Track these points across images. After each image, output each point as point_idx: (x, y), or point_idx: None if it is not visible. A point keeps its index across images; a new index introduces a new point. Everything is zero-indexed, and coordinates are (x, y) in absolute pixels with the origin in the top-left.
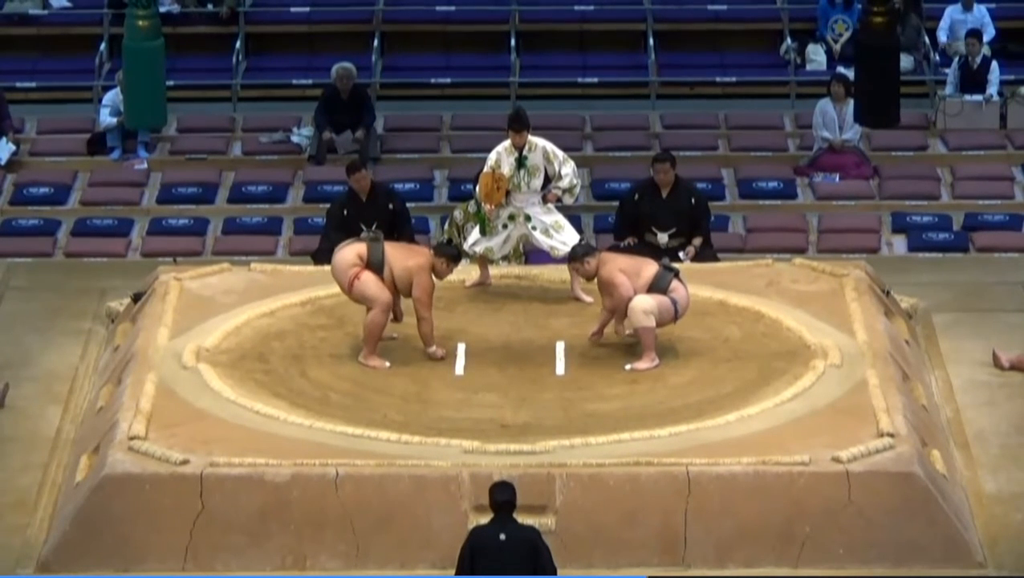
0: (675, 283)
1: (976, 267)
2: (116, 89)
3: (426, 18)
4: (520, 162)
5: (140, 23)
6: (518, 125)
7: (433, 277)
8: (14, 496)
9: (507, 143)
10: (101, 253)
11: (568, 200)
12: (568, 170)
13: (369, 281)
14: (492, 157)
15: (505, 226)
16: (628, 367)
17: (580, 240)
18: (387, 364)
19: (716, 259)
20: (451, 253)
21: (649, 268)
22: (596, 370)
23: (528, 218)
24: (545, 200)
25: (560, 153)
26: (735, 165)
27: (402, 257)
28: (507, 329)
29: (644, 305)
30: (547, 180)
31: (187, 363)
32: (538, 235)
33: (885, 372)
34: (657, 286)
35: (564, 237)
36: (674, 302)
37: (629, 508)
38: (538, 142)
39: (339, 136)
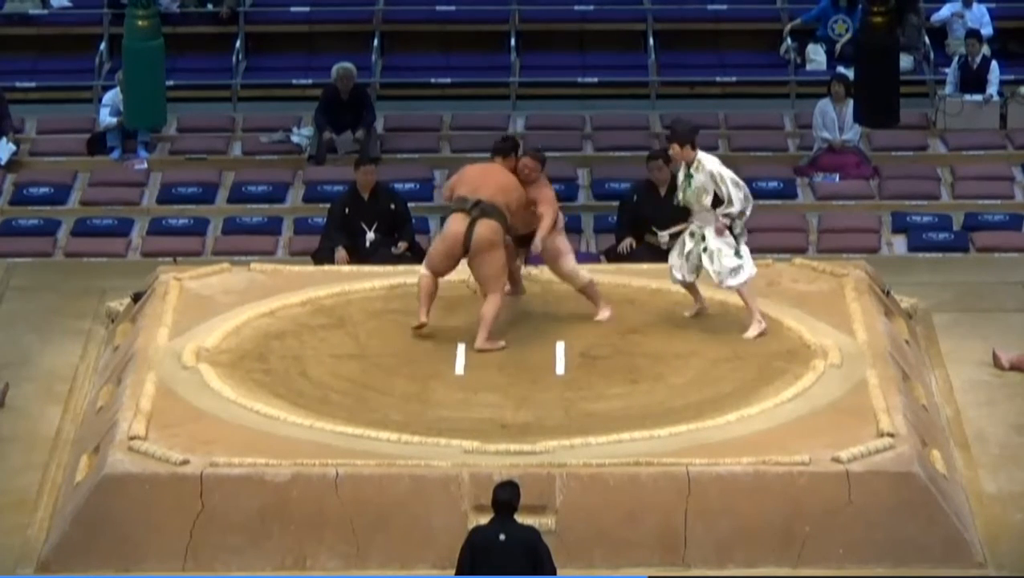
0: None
1: (976, 267)
2: (116, 89)
3: (426, 18)
4: (687, 178)
5: (140, 23)
6: (676, 138)
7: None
8: (14, 496)
9: None
10: (101, 253)
11: (738, 226)
12: (739, 195)
13: (499, 259)
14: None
15: (684, 243)
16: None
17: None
18: (502, 343)
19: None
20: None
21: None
22: (596, 370)
23: (703, 238)
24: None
25: (728, 175)
26: (735, 165)
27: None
28: (507, 329)
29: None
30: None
31: (187, 363)
32: (704, 257)
33: (885, 372)
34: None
35: (719, 265)
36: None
37: (629, 508)
38: (706, 164)
39: (339, 136)
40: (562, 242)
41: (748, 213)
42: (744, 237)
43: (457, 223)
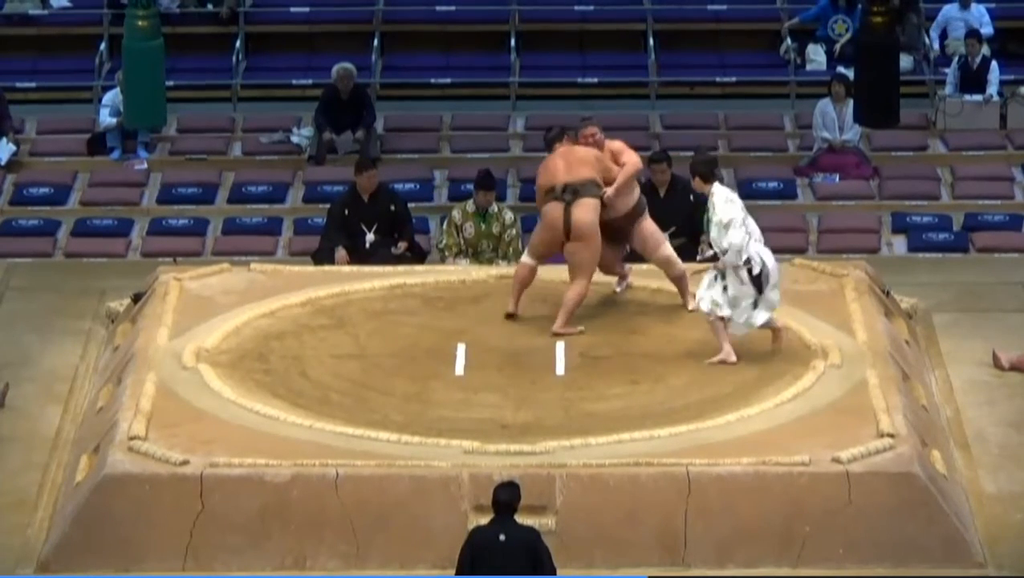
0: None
1: (976, 267)
2: (116, 89)
3: (426, 18)
4: (709, 210)
5: (140, 23)
6: (691, 170)
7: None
8: (14, 496)
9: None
10: (101, 253)
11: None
12: (721, 239)
13: (597, 244)
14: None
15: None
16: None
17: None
18: (581, 328)
19: (716, 259)
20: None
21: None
22: (596, 370)
23: (724, 276)
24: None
25: (722, 218)
26: (735, 165)
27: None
28: (508, 329)
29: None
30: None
31: (187, 363)
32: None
33: (885, 372)
34: None
35: (738, 315)
36: None
37: (629, 508)
38: (712, 197)
39: (339, 136)
40: (657, 229)
41: (733, 261)
42: (769, 286)
43: (554, 210)
